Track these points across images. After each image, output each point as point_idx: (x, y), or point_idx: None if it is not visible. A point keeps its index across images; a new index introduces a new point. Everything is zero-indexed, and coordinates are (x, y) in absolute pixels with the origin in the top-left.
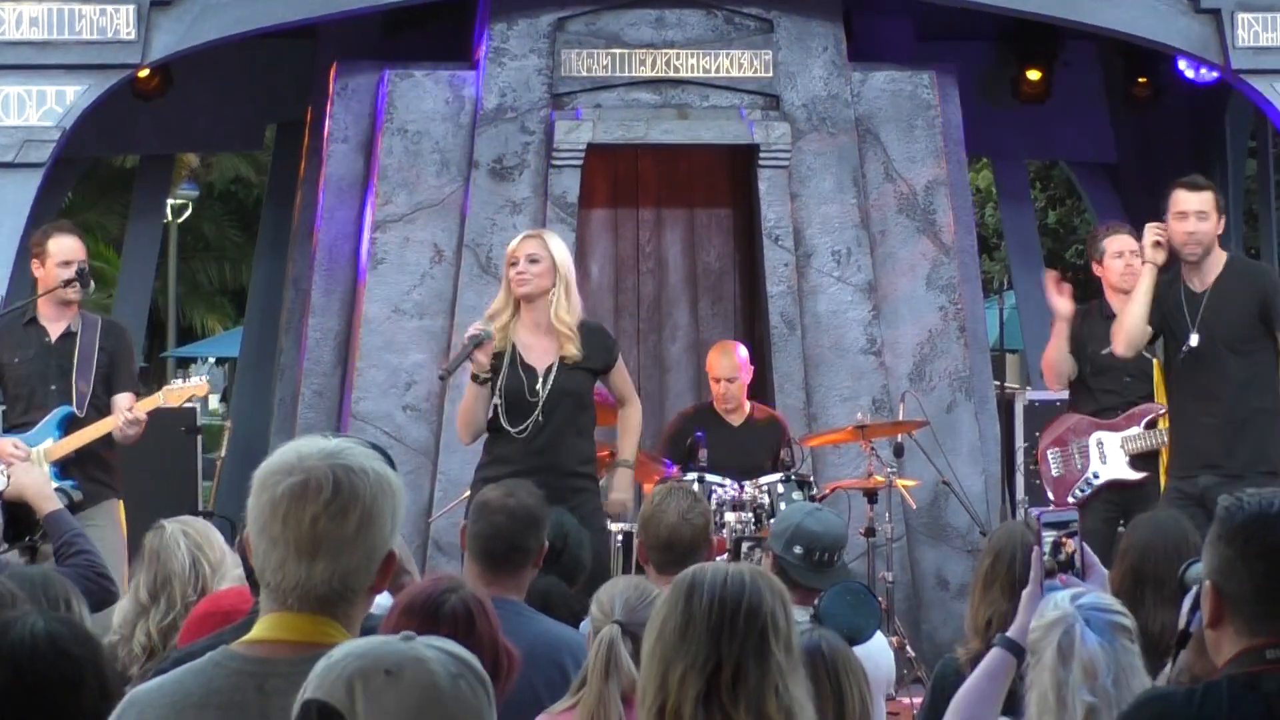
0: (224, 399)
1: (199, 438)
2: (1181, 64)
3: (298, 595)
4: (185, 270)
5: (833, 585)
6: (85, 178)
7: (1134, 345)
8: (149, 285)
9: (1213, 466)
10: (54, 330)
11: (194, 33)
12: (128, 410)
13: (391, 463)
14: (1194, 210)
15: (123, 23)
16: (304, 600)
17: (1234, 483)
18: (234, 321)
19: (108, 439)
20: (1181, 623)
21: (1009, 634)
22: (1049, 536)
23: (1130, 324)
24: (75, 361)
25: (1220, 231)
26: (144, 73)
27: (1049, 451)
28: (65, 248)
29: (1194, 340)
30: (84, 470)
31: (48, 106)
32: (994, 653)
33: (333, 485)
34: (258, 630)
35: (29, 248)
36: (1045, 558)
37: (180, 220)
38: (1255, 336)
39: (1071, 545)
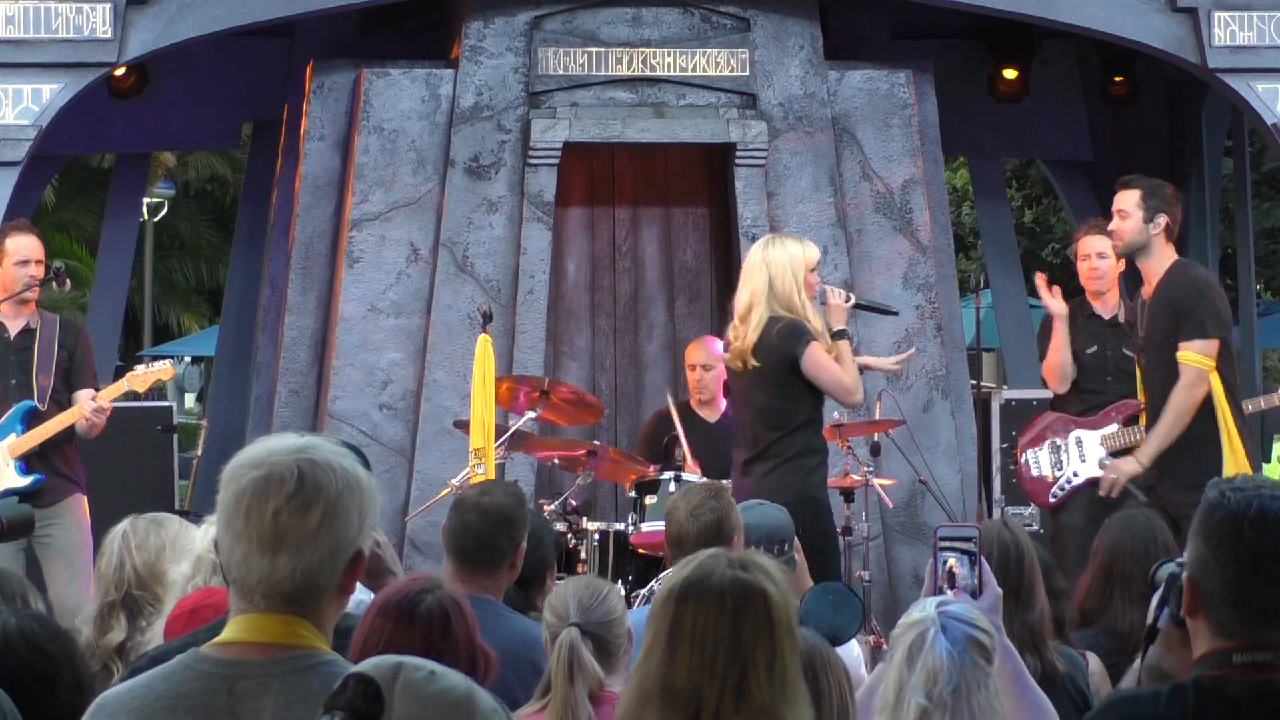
0: (200, 398)
1: (175, 436)
2: None
3: (262, 592)
4: (161, 269)
5: None
6: (61, 176)
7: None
8: (125, 284)
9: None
10: (13, 327)
11: (170, 31)
12: (91, 399)
13: (366, 463)
14: (1115, 209)
15: (99, 21)
16: (269, 598)
17: (1159, 489)
18: (210, 320)
19: (70, 433)
20: (1149, 618)
21: None
22: (944, 550)
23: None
24: (35, 356)
25: (1156, 232)
26: (120, 71)
27: (1028, 452)
28: (22, 247)
29: (1140, 346)
30: (48, 464)
31: (24, 105)
32: (879, 667)
33: (296, 479)
34: (228, 632)
35: None
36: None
37: (156, 219)
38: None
39: (953, 562)
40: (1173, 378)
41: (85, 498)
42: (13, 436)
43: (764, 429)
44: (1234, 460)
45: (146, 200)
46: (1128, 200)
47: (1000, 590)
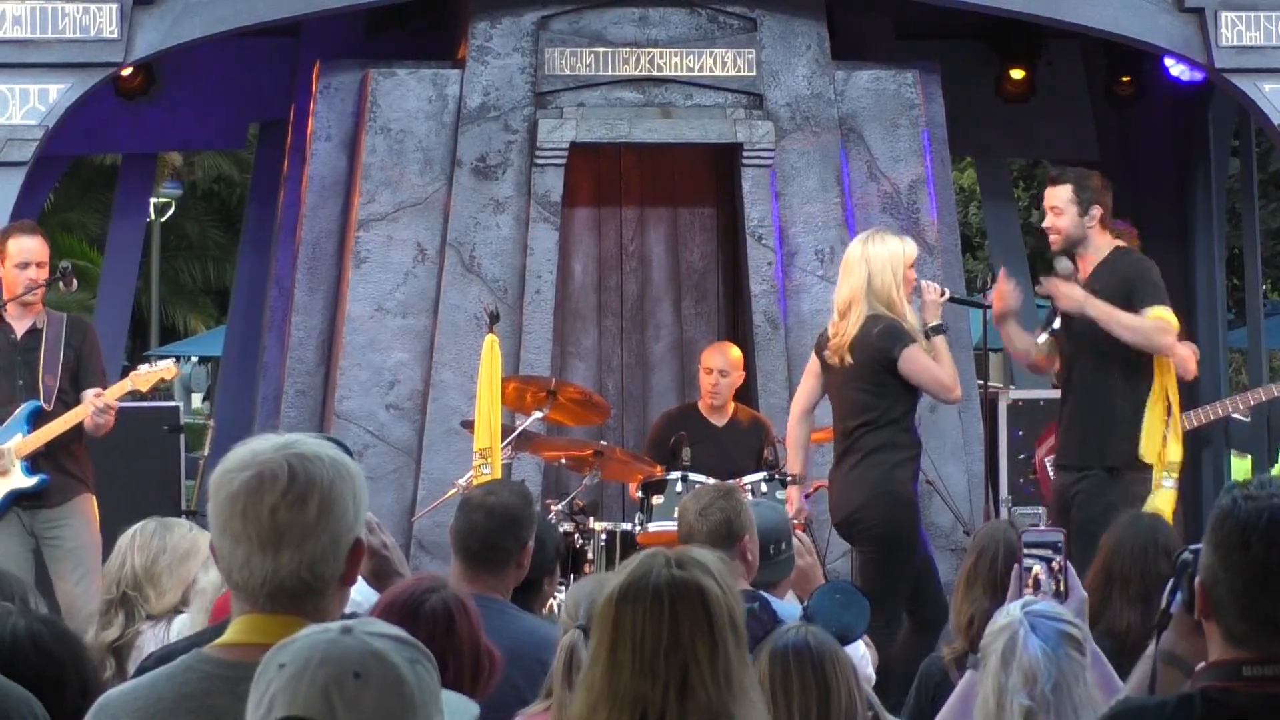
0: (207, 398)
1: (181, 437)
2: (1168, 62)
3: (267, 592)
4: (168, 269)
5: (768, 578)
6: (68, 176)
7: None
8: (132, 284)
9: (1066, 466)
10: (19, 327)
11: (177, 31)
12: (95, 397)
13: (348, 452)
14: (1049, 205)
15: (106, 21)
16: (275, 598)
17: (1080, 476)
18: (217, 320)
19: (77, 433)
20: (1163, 604)
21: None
22: (1029, 556)
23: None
24: (42, 356)
25: (1092, 224)
26: (127, 71)
27: (1048, 459)
28: (24, 249)
29: (1055, 325)
30: (55, 463)
31: (30, 105)
32: (967, 675)
33: (288, 474)
34: (231, 633)
35: None
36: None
37: (163, 219)
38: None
39: (1038, 569)
40: (1101, 357)
41: (94, 497)
42: (18, 436)
43: (855, 423)
44: (1152, 447)
45: (153, 200)
46: (1060, 196)
47: (1085, 594)
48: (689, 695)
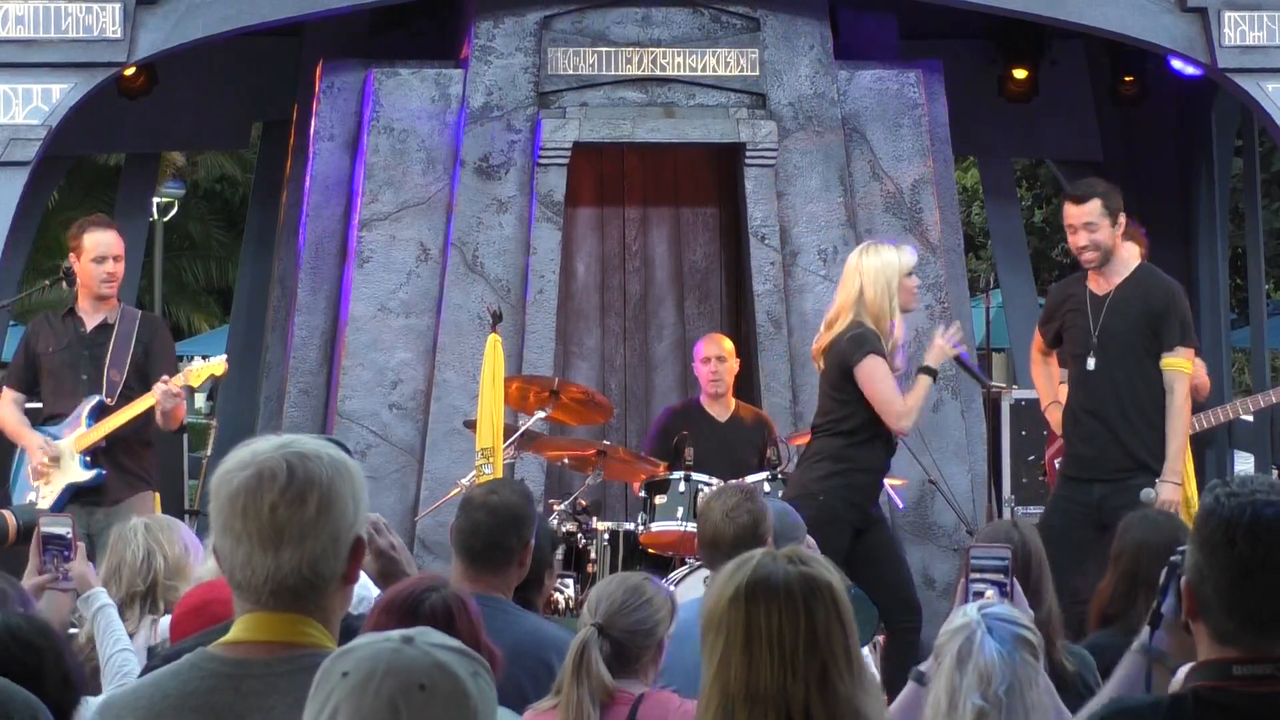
0: (210, 397)
1: (185, 436)
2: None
3: (270, 590)
4: (171, 269)
5: None
6: (70, 176)
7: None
8: (135, 284)
9: (1103, 479)
10: (90, 321)
11: (180, 31)
12: (163, 383)
13: (348, 451)
14: (1081, 224)
15: (109, 21)
16: (277, 596)
17: (1120, 486)
18: (220, 320)
19: (141, 429)
20: (1154, 604)
21: (922, 666)
22: (979, 580)
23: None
24: (110, 350)
25: (1119, 233)
26: (129, 71)
27: (1056, 461)
28: (99, 243)
29: (1095, 342)
30: (114, 460)
31: (34, 105)
32: (908, 686)
33: (287, 472)
34: (235, 631)
35: (46, 242)
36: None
37: (166, 219)
38: (1147, 347)
39: (990, 594)
40: (1136, 371)
41: (156, 494)
42: (81, 429)
43: (818, 427)
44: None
45: (156, 200)
46: (1092, 211)
47: (1032, 612)
48: (829, 691)
